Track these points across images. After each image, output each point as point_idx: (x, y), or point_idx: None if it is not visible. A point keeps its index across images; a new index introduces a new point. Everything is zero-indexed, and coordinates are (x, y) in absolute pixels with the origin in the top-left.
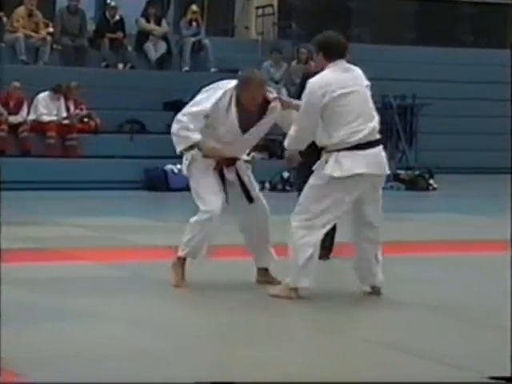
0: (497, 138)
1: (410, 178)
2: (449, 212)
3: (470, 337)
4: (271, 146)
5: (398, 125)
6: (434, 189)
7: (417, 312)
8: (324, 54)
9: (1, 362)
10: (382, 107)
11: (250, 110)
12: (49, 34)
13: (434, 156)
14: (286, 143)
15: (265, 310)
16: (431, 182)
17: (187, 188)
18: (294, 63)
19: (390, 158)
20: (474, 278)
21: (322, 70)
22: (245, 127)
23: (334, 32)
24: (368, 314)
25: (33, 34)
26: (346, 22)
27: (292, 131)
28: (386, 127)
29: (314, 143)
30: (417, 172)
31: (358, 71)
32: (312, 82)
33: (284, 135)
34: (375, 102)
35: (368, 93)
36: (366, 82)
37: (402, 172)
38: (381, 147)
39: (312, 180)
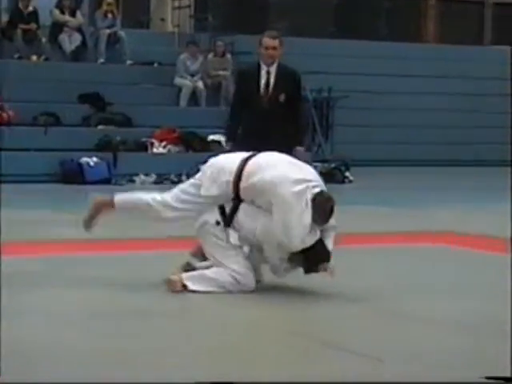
0: (410, 130)
1: (326, 171)
2: (365, 204)
3: (383, 327)
4: (188, 139)
5: (315, 118)
6: (350, 181)
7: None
8: None
9: (1, 361)
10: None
11: None
12: None
13: (350, 149)
14: None
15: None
16: (347, 174)
17: (103, 180)
18: (210, 56)
19: (307, 150)
20: (385, 267)
21: None
22: None
23: None
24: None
25: None
26: (263, 14)
27: None
28: None
29: None
30: (333, 165)
31: None
32: None
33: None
34: None
35: None
36: None
37: (318, 164)
38: None
39: None
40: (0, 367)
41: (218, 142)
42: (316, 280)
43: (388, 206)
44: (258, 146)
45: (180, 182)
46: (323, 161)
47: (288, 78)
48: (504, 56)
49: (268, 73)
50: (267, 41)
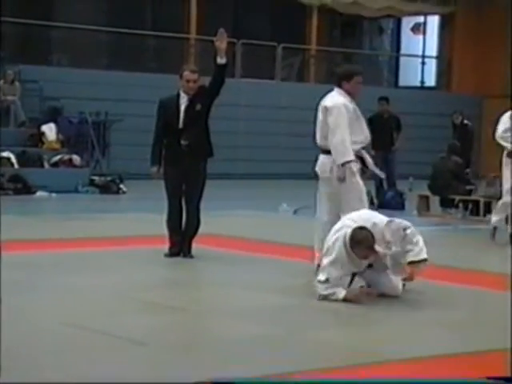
0: None
1: (103, 183)
2: (136, 211)
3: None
4: None
5: (93, 137)
6: (124, 192)
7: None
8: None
9: (0, 361)
10: (79, 122)
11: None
12: None
13: (124, 164)
14: None
15: None
16: (121, 186)
17: None
18: (1, 82)
19: (86, 165)
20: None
21: None
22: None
23: None
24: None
25: None
26: (47, 47)
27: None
28: (82, 139)
29: None
30: (109, 178)
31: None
32: None
33: None
34: (74, 118)
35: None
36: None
37: (96, 178)
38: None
39: None
40: (0, 367)
41: (8, 159)
42: None
43: (156, 213)
44: (177, 165)
45: None
46: (101, 174)
47: (204, 92)
48: (253, 86)
49: (190, 100)
50: (188, 75)
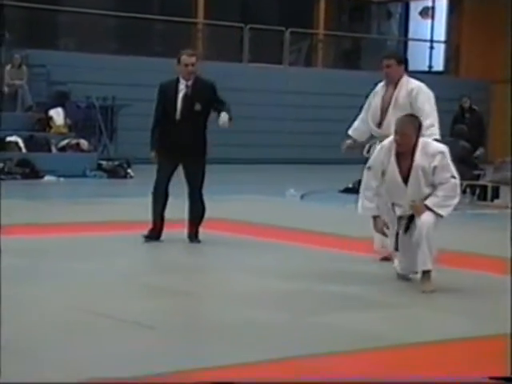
0: None
1: (110, 168)
2: (144, 196)
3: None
4: None
5: (101, 122)
6: (131, 177)
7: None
8: (405, 66)
9: (0, 361)
10: (86, 107)
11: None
12: None
13: (131, 149)
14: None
15: None
16: (129, 171)
17: None
18: (8, 67)
19: (93, 150)
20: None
21: (400, 77)
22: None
23: None
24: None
25: None
26: (54, 32)
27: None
28: (90, 124)
29: None
30: (116, 162)
31: None
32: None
33: None
34: (81, 102)
35: None
36: None
37: (103, 162)
38: None
39: None
40: (0, 367)
41: (15, 143)
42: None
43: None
44: (173, 152)
45: None
46: (108, 159)
47: (205, 90)
48: (261, 71)
49: (187, 86)
50: (186, 59)
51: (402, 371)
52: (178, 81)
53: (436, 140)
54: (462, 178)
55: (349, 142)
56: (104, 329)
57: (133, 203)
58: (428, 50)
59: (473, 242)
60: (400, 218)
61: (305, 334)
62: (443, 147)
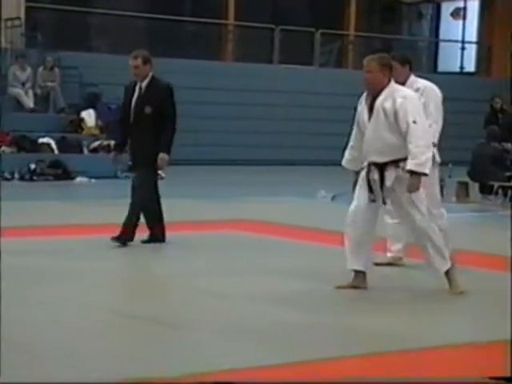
0: (215, 134)
1: None
2: (175, 197)
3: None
4: (20, 141)
5: None
6: (162, 178)
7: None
8: (410, 67)
9: (1, 361)
10: (118, 109)
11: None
12: None
13: None
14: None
15: None
16: (160, 171)
17: None
18: (40, 69)
19: (125, 151)
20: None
21: (406, 78)
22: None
23: None
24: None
25: None
26: (86, 34)
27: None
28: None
29: None
30: None
31: None
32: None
33: None
34: (112, 104)
35: None
36: None
37: None
38: None
39: None
40: (0, 367)
41: (48, 145)
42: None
43: (196, 199)
44: (132, 154)
45: (13, 179)
46: None
47: (156, 92)
48: (291, 73)
49: (140, 88)
50: (130, 61)
51: (426, 373)
52: (135, 82)
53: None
54: (494, 179)
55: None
56: (129, 329)
57: (163, 204)
58: (459, 51)
59: (504, 244)
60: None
61: (329, 336)
62: (410, 93)
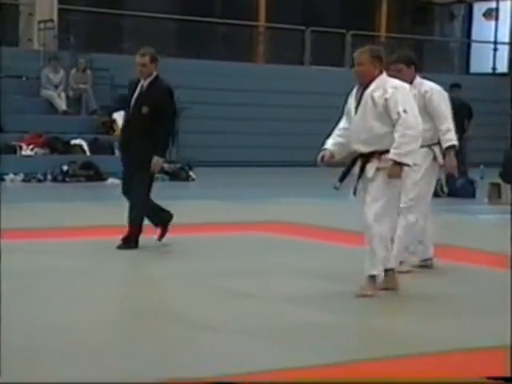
0: (244, 136)
1: (172, 170)
2: (206, 199)
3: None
4: (53, 142)
5: None
6: (193, 179)
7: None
8: (415, 67)
9: (0, 362)
10: None
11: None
12: None
13: (193, 151)
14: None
15: None
16: (190, 173)
17: None
18: (73, 71)
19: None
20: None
21: (412, 79)
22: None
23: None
24: None
25: None
26: (117, 36)
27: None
28: None
29: None
30: (178, 165)
31: None
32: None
33: None
34: None
35: None
36: None
37: (166, 165)
38: None
39: None
40: (0, 367)
41: (80, 146)
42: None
43: (226, 201)
44: (124, 152)
45: (45, 180)
46: (170, 162)
47: (156, 93)
48: (322, 74)
49: (142, 86)
50: (137, 58)
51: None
52: (139, 80)
53: (452, 147)
54: None
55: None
56: (156, 329)
57: (195, 205)
58: (492, 52)
59: None
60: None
61: (355, 338)
62: (401, 84)
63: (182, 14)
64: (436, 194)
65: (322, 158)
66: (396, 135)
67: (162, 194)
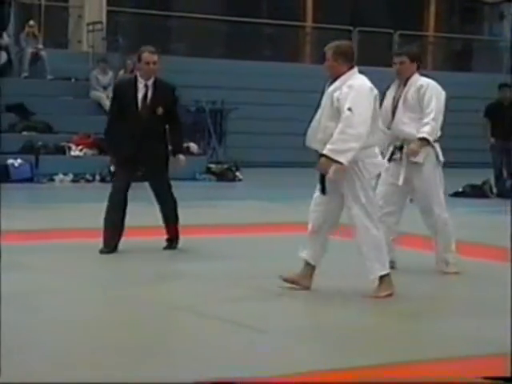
0: (290, 136)
1: (219, 171)
2: (253, 199)
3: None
4: (101, 143)
5: (210, 126)
6: (240, 180)
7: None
8: (418, 65)
9: (0, 362)
10: (196, 111)
11: None
12: None
13: (240, 152)
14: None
15: None
16: (237, 174)
17: (26, 179)
18: (121, 72)
19: (203, 153)
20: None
21: (411, 75)
22: None
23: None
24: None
25: None
26: (165, 37)
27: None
28: (199, 128)
29: None
30: (225, 166)
31: None
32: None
33: None
34: (191, 106)
35: None
36: None
37: (213, 166)
38: None
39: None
40: (0, 367)
41: None
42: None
43: (273, 201)
44: (139, 156)
45: (94, 180)
46: (217, 162)
47: (166, 93)
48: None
49: (146, 86)
50: (148, 56)
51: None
52: (136, 80)
53: (425, 140)
54: None
55: None
56: (217, 332)
57: (242, 206)
58: None
59: None
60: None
61: (411, 339)
62: (360, 83)
63: (228, 15)
64: (485, 195)
65: None
66: (335, 131)
67: (208, 194)
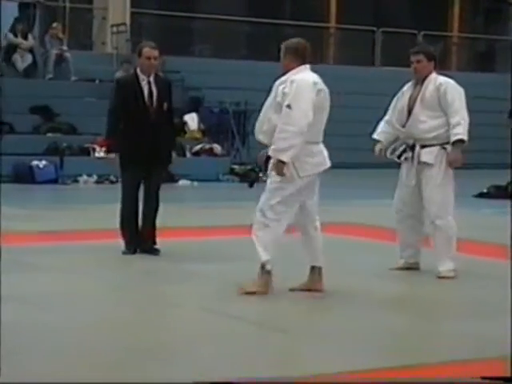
0: None
1: (243, 172)
2: None
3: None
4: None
5: (233, 127)
6: (263, 181)
7: None
8: (435, 63)
9: (1, 361)
10: (220, 112)
11: None
12: None
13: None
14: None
15: None
16: (260, 175)
17: (51, 181)
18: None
19: (226, 154)
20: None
21: (428, 74)
22: None
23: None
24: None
25: None
26: (189, 38)
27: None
28: (223, 129)
29: None
30: (249, 167)
31: None
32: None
33: None
34: (214, 107)
35: None
36: None
37: (236, 167)
38: None
39: None
40: (0, 367)
41: None
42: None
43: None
44: (148, 154)
45: (118, 182)
46: (240, 163)
47: (166, 88)
48: (393, 75)
49: (149, 83)
50: (148, 51)
51: None
52: (137, 76)
53: (459, 141)
54: None
55: (379, 146)
56: (236, 332)
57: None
58: None
59: None
60: None
61: (436, 341)
62: (301, 78)
63: (251, 16)
64: (510, 196)
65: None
66: (276, 129)
67: (232, 195)
